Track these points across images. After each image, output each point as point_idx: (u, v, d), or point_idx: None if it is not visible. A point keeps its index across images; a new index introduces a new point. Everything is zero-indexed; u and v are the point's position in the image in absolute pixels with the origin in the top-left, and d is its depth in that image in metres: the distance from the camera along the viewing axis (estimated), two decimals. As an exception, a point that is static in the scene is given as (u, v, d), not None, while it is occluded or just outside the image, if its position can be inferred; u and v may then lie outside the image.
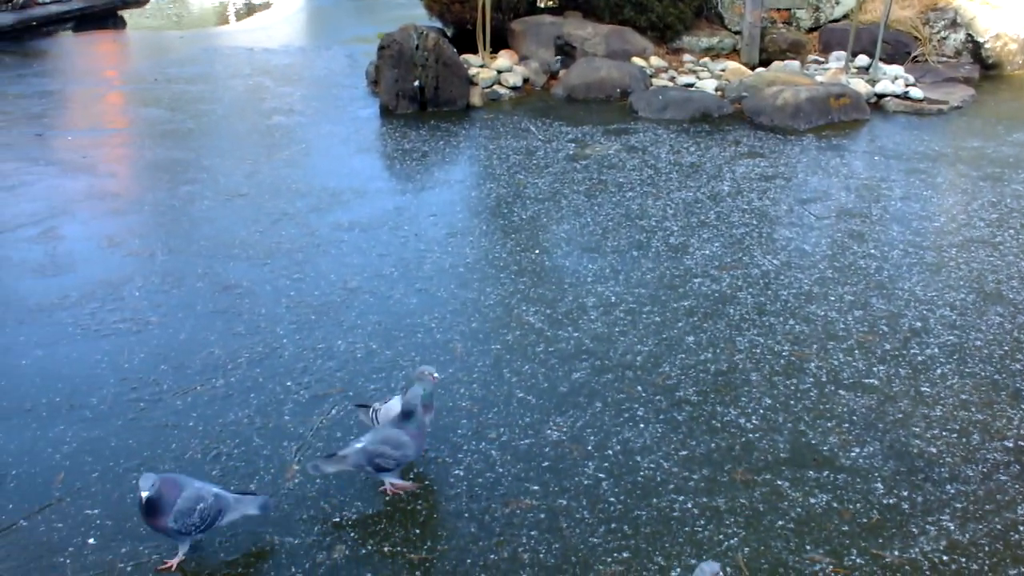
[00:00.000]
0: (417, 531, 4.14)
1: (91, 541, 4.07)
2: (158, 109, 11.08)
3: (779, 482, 4.48)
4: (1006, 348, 5.73)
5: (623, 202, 8.06)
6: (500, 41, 12.79)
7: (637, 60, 12.59)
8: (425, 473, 4.53)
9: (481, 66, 11.99)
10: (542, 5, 13.93)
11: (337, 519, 4.20)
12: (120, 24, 17.28)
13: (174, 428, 4.84)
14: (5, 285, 6.46)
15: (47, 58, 14.17)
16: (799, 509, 4.30)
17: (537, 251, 7.08)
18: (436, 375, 4.54)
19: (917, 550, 4.04)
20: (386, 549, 4.02)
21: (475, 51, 12.28)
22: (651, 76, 12.24)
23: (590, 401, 5.11)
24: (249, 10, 18.62)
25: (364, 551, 4.01)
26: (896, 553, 4.02)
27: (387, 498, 4.34)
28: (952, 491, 4.42)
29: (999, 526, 4.19)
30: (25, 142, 9.68)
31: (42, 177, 8.61)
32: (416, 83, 10.85)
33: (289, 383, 5.27)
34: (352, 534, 4.11)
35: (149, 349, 5.63)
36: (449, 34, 13.53)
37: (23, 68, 13.30)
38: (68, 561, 3.96)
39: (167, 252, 6.99)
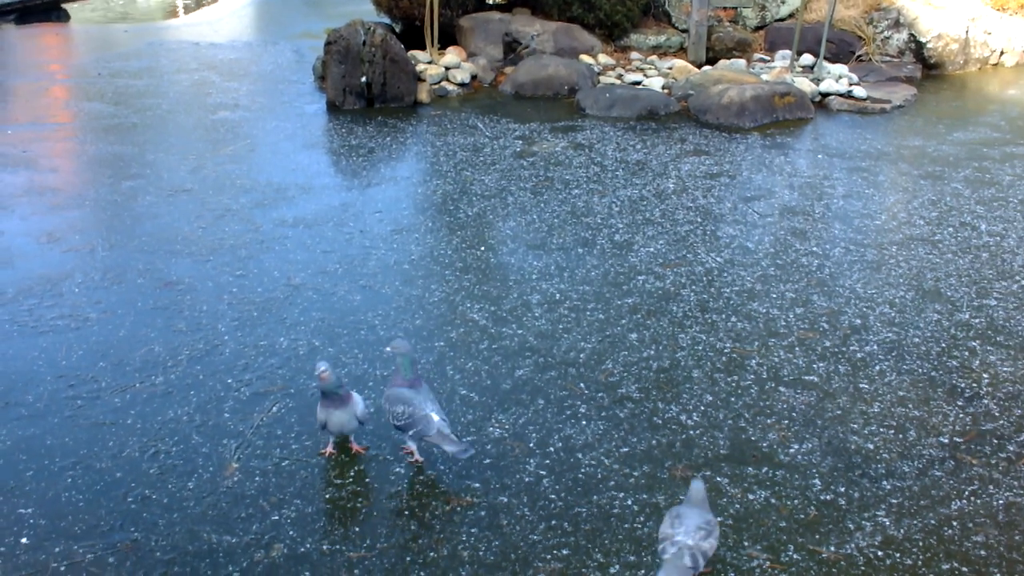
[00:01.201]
0: (356, 529, 4.12)
1: (24, 541, 4.00)
2: (101, 103, 10.94)
3: (718, 479, 4.51)
4: (943, 345, 5.81)
5: (569, 199, 8.08)
6: (448, 37, 12.77)
7: (585, 58, 12.63)
8: (366, 471, 4.51)
9: (429, 62, 11.97)
10: (491, 1, 13.92)
11: (276, 517, 4.18)
12: (64, 17, 17.05)
13: (111, 426, 4.79)
14: (-60, 281, 6.35)
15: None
16: (737, 505, 4.33)
17: (482, 248, 7.08)
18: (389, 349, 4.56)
19: (853, 546, 4.09)
20: (325, 547, 4.00)
21: (423, 47, 12.26)
22: (599, 74, 12.28)
23: (532, 398, 5.11)
24: (197, 4, 18.43)
25: (303, 549, 3.99)
26: (832, 549, 4.06)
27: (326, 496, 4.33)
28: (888, 487, 4.48)
29: (933, 521, 4.25)
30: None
31: (-20, 171, 8.49)
32: (363, 79, 10.81)
33: (230, 380, 5.23)
34: (291, 532, 4.09)
35: (88, 346, 5.55)
36: (397, 30, 13.50)
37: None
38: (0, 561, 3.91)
39: (108, 248, 6.91)
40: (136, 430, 4.76)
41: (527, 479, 4.47)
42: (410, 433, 4.44)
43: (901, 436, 4.87)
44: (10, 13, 16.26)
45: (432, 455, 4.60)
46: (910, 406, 5.15)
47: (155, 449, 4.62)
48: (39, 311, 5.95)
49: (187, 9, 18.61)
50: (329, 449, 4.62)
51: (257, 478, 4.42)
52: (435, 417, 4.37)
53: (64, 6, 17.46)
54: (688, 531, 3.74)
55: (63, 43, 15.27)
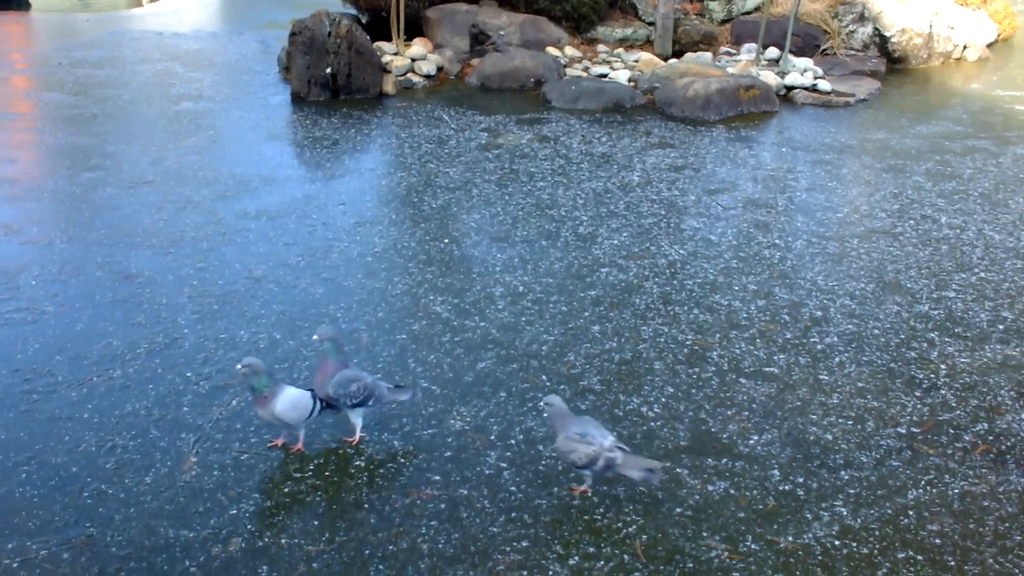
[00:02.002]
0: (315, 523, 4.10)
1: (-24, 538, 3.96)
2: (62, 94, 10.82)
3: (678, 470, 4.52)
4: (902, 336, 5.85)
5: (534, 192, 8.08)
6: (415, 29, 12.73)
7: (551, 50, 12.62)
8: (325, 464, 4.49)
9: (395, 54, 11.92)
10: (457, -7, 13.87)
11: (234, 511, 4.15)
12: (24, 6, 16.82)
13: (68, 420, 4.74)
14: None
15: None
16: (698, 496, 4.34)
17: (446, 240, 7.06)
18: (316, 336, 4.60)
19: (811, 535, 4.11)
20: (283, 541, 3.98)
21: (389, 39, 12.21)
22: (565, 66, 12.28)
23: (494, 391, 5.11)
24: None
25: (261, 543, 3.97)
26: (790, 539, 4.09)
27: (285, 490, 4.30)
28: (846, 477, 4.51)
29: (890, 511, 4.28)
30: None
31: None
32: (328, 70, 10.75)
33: (189, 374, 5.19)
34: (249, 526, 4.06)
35: (44, 339, 5.49)
36: (363, 21, 13.43)
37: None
38: (-47, 558, 3.86)
39: (66, 240, 6.83)
40: (93, 424, 4.71)
41: (488, 471, 4.47)
42: (370, 404, 4.50)
43: (860, 427, 4.90)
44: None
45: (392, 447, 4.59)
46: (869, 397, 5.18)
47: (112, 443, 4.57)
48: (-4, 304, 5.89)
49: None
50: (279, 441, 4.60)
51: (215, 472, 4.39)
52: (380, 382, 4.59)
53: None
54: (604, 435, 4.19)
55: (23, 32, 15.10)
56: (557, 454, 4.34)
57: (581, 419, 4.33)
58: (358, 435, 4.62)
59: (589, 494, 4.32)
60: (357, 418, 4.60)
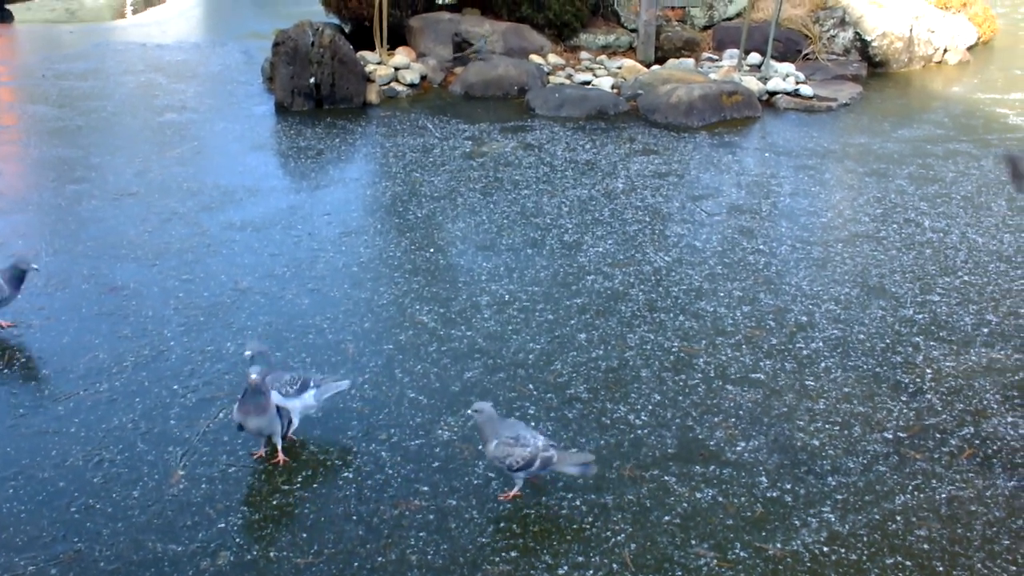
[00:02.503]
0: (304, 535, 4.10)
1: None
2: (46, 106, 10.78)
3: (666, 478, 4.54)
4: (887, 341, 5.88)
5: (519, 200, 8.09)
6: (398, 38, 12.73)
7: (535, 58, 12.64)
8: (313, 476, 4.49)
9: (378, 63, 11.92)
10: (440, 1, 13.89)
11: (222, 524, 4.15)
12: (7, 17, 16.75)
13: (55, 434, 4.72)
14: None
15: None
16: (686, 504, 4.36)
17: (432, 250, 7.06)
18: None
19: (799, 542, 4.13)
20: (272, 554, 3.98)
21: (372, 48, 12.20)
22: (548, 74, 12.29)
23: (482, 400, 5.11)
24: (146, 4, 18.19)
25: (249, 556, 3.96)
26: (779, 546, 4.10)
27: (273, 502, 4.30)
28: (833, 483, 4.53)
29: (877, 516, 4.30)
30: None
31: (-80, 176, 8.35)
32: (312, 80, 10.74)
33: (176, 387, 5.18)
34: (237, 540, 4.06)
35: (30, 353, 5.48)
36: (346, 30, 13.42)
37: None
38: (-60, 575, 3.85)
39: (52, 253, 6.82)
40: (80, 438, 4.70)
41: (476, 481, 4.47)
42: (308, 393, 4.63)
43: (846, 432, 4.93)
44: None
45: (380, 458, 4.59)
46: (855, 402, 5.21)
47: (99, 457, 4.56)
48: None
49: (136, 9, 18.34)
50: (261, 452, 4.60)
51: (203, 485, 4.39)
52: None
53: (8, 7, 17.16)
54: (535, 436, 4.27)
55: (6, 44, 15.05)
56: (491, 460, 4.29)
57: (509, 422, 4.35)
58: (289, 433, 4.67)
59: (521, 498, 4.35)
60: (296, 414, 4.65)
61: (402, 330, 5.87)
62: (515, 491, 4.36)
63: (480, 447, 4.62)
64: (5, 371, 5.29)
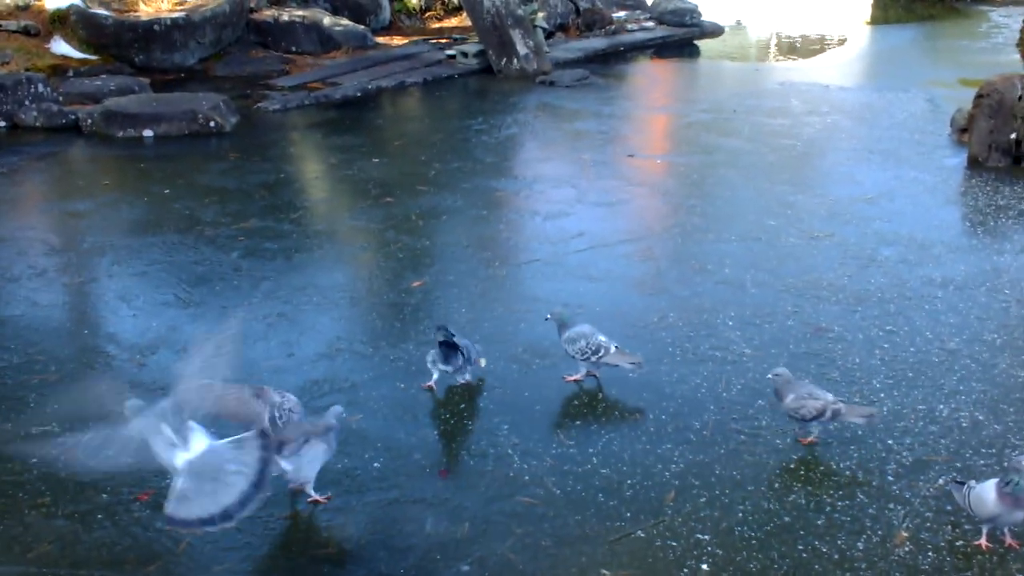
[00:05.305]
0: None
1: (703, 567, 4.15)
2: (737, 140, 11.29)
3: None
4: None
5: None
6: None
7: None
8: None
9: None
10: None
11: (954, 601, 3.96)
12: (695, 53, 17.87)
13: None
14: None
15: (629, 81, 15.08)
16: None
17: None
18: None
19: None
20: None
21: None
22: None
23: None
24: (822, 46, 18.44)
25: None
26: None
27: None
28: None
29: None
30: (618, 161, 10.39)
31: (634, 196, 9.18)
32: (1013, 136, 10.14)
33: (890, 441, 5.08)
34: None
35: (745, 381, 5.69)
36: None
37: (612, 91, 14.29)
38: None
39: (756, 285, 7.04)
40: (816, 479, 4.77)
41: None
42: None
43: None
44: (649, 47, 17.42)
45: None
46: None
47: (819, 500, 4.60)
48: (696, 340, 6.20)
49: (809, 51, 18.61)
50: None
51: (929, 553, 4.24)
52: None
53: (696, 42, 18.29)
54: (825, 393, 4.95)
55: (690, 77, 16.18)
56: (787, 411, 4.97)
57: (803, 382, 5.08)
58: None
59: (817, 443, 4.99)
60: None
61: None
62: (812, 436, 5.04)
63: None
64: (724, 395, 5.53)
